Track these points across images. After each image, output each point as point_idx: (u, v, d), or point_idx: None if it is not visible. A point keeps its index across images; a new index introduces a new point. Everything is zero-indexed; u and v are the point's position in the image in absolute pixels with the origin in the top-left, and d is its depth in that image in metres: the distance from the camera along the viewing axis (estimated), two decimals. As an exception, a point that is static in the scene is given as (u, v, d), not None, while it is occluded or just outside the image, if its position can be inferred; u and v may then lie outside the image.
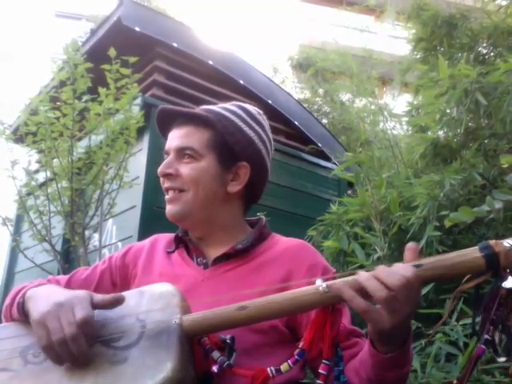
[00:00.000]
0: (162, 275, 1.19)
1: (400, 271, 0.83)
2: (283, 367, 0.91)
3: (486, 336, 0.82)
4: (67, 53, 3.04)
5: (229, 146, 1.20)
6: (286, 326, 1.09)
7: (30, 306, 1.00)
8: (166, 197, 1.22)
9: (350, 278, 0.87)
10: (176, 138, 1.21)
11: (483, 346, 0.83)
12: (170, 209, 1.21)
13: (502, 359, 0.83)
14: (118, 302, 0.96)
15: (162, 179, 1.22)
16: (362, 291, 0.84)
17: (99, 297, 0.96)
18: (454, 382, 0.87)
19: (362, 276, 0.85)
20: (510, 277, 0.81)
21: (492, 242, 0.83)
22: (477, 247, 0.84)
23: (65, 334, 0.89)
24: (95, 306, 0.95)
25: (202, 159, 1.19)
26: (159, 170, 1.20)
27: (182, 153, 1.19)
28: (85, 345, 0.90)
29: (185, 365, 0.90)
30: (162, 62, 4.21)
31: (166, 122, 1.25)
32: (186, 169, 1.18)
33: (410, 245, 0.89)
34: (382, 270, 0.84)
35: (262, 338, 1.06)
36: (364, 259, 2.40)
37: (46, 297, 0.98)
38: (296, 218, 4.39)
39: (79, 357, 0.90)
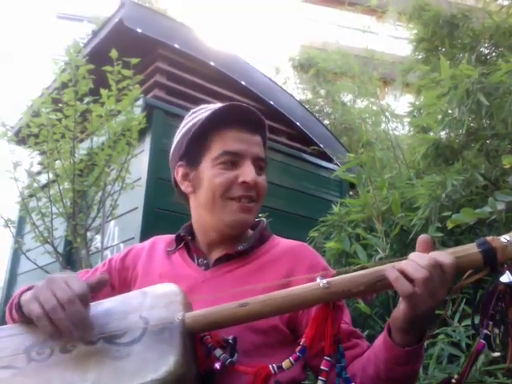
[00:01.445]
0: (162, 276, 1.19)
1: (431, 254, 0.85)
2: (285, 364, 0.91)
3: (486, 331, 0.83)
4: (69, 54, 3.05)
5: (266, 164, 1.24)
6: (286, 326, 1.09)
7: (25, 298, 1.02)
8: (244, 205, 1.16)
9: (389, 264, 0.88)
10: (254, 145, 1.19)
11: (483, 341, 0.83)
12: (246, 218, 1.18)
13: (497, 354, 0.84)
14: (103, 283, 1.01)
15: (235, 185, 1.16)
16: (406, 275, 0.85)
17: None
18: (455, 377, 0.87)
19: (400, 262, 0.87)
20: (507, 272, 0.82)
21: (489, 237, 0.84)
22: (474, 243, 0.85)
23: (59, 299, 0.89)
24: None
25: (264, 172, 1.23)
26: (252, 178, 1.14)
27: (257, 162, 1.19)
28: (83, 309, 0.91)
29: (187, 360, 0.90)
30: (164, 63, 4.21)
31: (226, 116, 1.18)
32: (261, 180, 1.19)
33: (423, 237, 0.90)
34: (415, 254, 0.86)
35: (262, 338, 1.06)
36: (366, 260, 2.39)
37: (41, 284, 0.98)
38: (298, 219, 4.39)
39: (77, 323, 0.90)
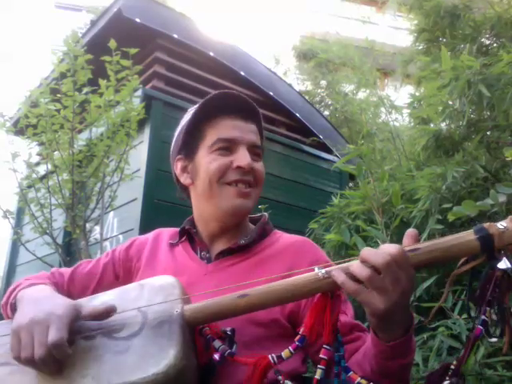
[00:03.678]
0: (165, 269, 1.20)
1: (385, 250, 0.83)
2: (284, 353, 0.91)
3: (483, 317, 0.83)
4: (67, 44, 3.03)
5: (263, 151, 1.26)
6: (287, 320, 1.09)
7: (17, 310, 1.01)
8: (241, 190, 1.17)
9: (343, 264, 0.88)
10: (249, 132, 1.20)
11: (480, 327, 0.83)
12: (245, 203, 1.18)
13: (494, 340, 0.84)
14: (109, 313, 0.96)
15: (230, 170, 1.16)
16: (353, 276, 0.85)
17: (88, 309, 0.96)
18: (454, 362, 0.87)
19: (352, 262, 0.86)
20: (504, 258, 0.82)
21: (486, 224, 0.84)
22: (471, 230, 0.84)
23: (33, 354, 0.89)
24: (84, 318, 0.95)
25: (262, 160, 1.23)
26: (247, 163, 1.15)
27: (253, 149, 1.20)
28: (54, 366, 0.91)
29: (187, 353, 0.90)
30: (163, 54, 4.19)
31: (218, 105, 1.19)
32: (258, 166, 1.20)
33: (410, 231, 0.89)
34: (366, 252, 0.84)
35: (262, 331, 1.06)
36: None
37: (31, 304, 0.98)
38: (297, 211, 4.39)
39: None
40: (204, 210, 1.22)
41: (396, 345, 0.88)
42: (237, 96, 1.20)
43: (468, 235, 0.84)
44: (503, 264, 0.82)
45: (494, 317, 0.83)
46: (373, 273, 0.81)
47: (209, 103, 1.19)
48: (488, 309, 0.83)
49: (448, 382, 0.84)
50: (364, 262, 0.83)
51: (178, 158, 1.26)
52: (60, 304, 0.96)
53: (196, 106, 1.24)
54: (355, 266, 0.84)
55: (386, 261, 0.81)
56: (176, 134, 1.29)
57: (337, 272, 0.85)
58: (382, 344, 0.89)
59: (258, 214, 1.33)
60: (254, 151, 1.20)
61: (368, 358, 0.95)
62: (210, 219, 1.22)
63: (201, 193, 1.20)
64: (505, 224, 0.83)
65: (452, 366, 0.86)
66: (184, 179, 1.24)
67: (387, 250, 0.82)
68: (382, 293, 0.82)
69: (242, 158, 1.15)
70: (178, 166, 1.26)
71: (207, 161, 1.17)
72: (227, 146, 1.17)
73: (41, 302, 0.98)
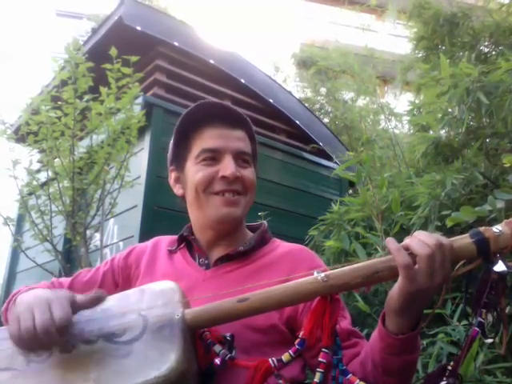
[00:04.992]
0: (164, 275, 1.20)
1: (434, 235, 0.86)
2: (284, 357, 0.92)
3: (480, 318, 0.85)
4: (68, 52, 3.04)
5: (256, 157, 1.28)
6: (285, 325, 1.10)
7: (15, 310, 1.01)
8: (228, 198, 1.17)
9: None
10: (235, 139, 1.20)
11: (477, 328, 0.85)
12: (231, 211, 1.18)
13: (489, 340, 0.86)
14: (99, 299, 0.98)
15: (216, 180, 1.17)
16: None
17: (81, 297, 0.97)
18: (451, 363, 0.87)
19: (406, 240, 0.88)
20: (500, 261, 0.84)
21: (482, 228, 0.86)
22: (468, 234, 0.87)
23: (34, 324, 0.88)
24: (79, 306, 0.96)
25: (252, 166, 1.23)
26: (231, 172, 1.15)
27: (240, 156, 1.20)
28: (57, 339, 0.89)
29: (188, 357, 0.91)
30: (164, 61, 4.21)
31: (202, 115, 1.21)
32: (247, 173, 1.20)
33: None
34: (420, 233, 0.88)
35: (261, 337, 1.07)
36: (365, 259, 2.39)
37: (30, 299, 0.98)
38: (297, 218, 4.39)
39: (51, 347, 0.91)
40: (197, 218, 1.24)
41: (404, 338, 0.89)
42: (220, 104, 1.22)
43: (465, 239, 0.86)
44: (499, 267, 0.84)
45: (490, 318, 0.84)
46: (433, 251, 0.84)
47: (190, 115, 1.21)
48: (484, 311, 0.85)
49: (445, 382, 0.85)
50: (420, 240, 0.86)
51: (171, 169, 1.29)
52: (58, 291, 0.98)
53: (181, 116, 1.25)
54: (414, 241, 0.86)
55: (439, 243, 0.84)
56: (170, 143, 1.30)
57: (392, 240, 0.87)
58: (390, 337, 0.90)
59: (258, 223, 1.33)
60: (242, 158, 1.20)
61: (371, 356, 0.96)
62: (204, 227, 1.24)
63: (190, 202, 1.23)
64: (500, 228, 0.85)
65: (449, 367, 0.87)
66: (177, 190, 1.27)
67: (436, 236, 0.86)
68: (430, 272, 0.84)
69: (227, 167, 1.16)
70: (171, 177, 1.29)
71: (193, 171, 1.19)
72: (212, 156, 1.18)
73: (38, 297, 0.97)
